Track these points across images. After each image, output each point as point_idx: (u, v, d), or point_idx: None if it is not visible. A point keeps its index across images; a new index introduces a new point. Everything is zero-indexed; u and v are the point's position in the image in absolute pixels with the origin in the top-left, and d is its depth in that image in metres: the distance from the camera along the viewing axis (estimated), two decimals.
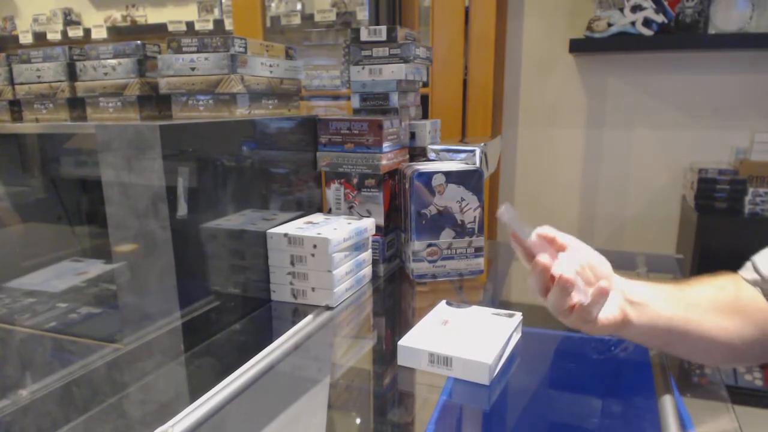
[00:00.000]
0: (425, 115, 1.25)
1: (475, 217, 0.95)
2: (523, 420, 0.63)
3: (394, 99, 1.06)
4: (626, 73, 2.02)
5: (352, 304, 0.89)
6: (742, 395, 1.72)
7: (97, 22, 3.20)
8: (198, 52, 0.85)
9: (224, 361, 0.72)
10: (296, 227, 0.88)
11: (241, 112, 0.87)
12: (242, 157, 0.83)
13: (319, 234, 0.83)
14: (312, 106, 2.38)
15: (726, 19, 1.82)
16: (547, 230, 0.58)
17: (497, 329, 0.72)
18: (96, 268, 0.97)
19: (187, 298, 0.72)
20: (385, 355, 0.77)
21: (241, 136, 0.83)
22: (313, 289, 0.85)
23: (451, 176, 0.93)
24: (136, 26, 3.17)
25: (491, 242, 1.84)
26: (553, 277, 0.56)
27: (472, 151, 1.03)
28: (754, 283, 0.65)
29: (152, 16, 3.18)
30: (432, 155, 1.07)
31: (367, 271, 0.96)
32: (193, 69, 0.85)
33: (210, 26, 2.88)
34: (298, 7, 2.59)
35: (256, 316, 0.85)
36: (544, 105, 2.16)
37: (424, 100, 1.32)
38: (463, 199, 0.93)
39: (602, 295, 0.56)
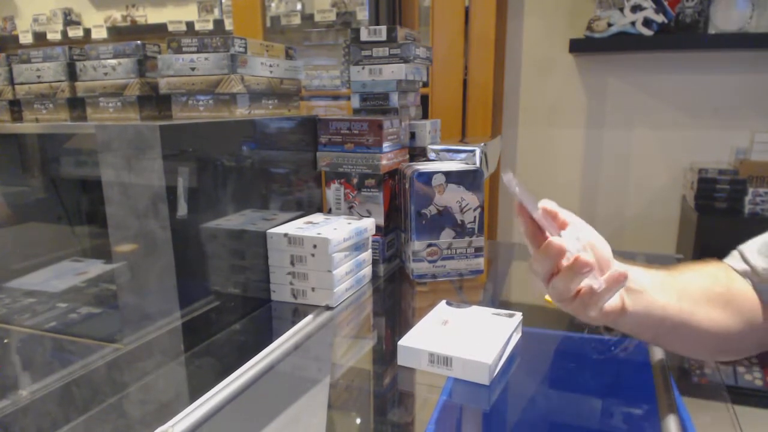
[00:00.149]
0: (425, 115, 1.25)
1: (475, 217, 0.95)
2: (523, 420, 0.63)
3: (394, 99, 1.06)
4: (626, 73, 2.03)
5: (352, 304, 0.89)
6: (742, 395, 1.72)
7: (97, 22, 3.20)
8: (198, 52, 0.85)
9: (224, 361, 0.72)
10: (296, 227, 0.88)
11: (241, 112, 0.87)
12: (242, 157, 0.83)
13: (319, 234, 0.83)
14: (312, 106, 2.38)
15: (726, 19, 1.82)
16: (550, 204, 0.54)
17: (497, 329, 0.72)
18: (96, 268, 0.97)
19: (187, 298, 0.72)
20: (385, 355, 0.77)
21: (241, 136, 0.83)
22: (313, 289, 0.85)
23: (451, 176, 0.93)
24: (136, 26, 3.17)
25: (491, 242, 1.84)
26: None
27: (472, 151, 1.03)
28: (744, 274, 0.63)
29: (152, 16, 3.18)
30: (432, 155, 1.07)
31: (367, 271, 0.96)
32: (193, 69, 0.85)
33: (210, 26, 2.88)
34: (298, 7, 2.59)
35: (256, 316, 0.85)
36: (544, 105, 2.16)
37: (424, 100, 1.32)
38: (463, 199, 0.93)
39: (617, 282, 0.51)
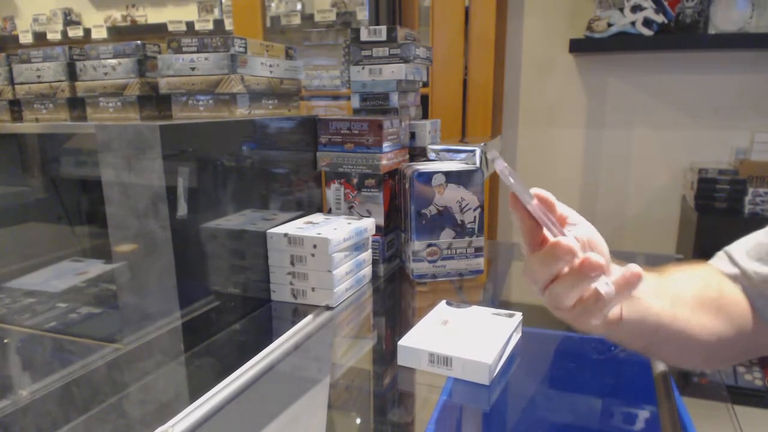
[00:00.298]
0: (425, 115, 1.25)
1: (475, 217, 0.95)
2: (523, 420, 0.63)
3: (394, 99, 1.06)
4: (626, 73, 2.03)
5: (352, 304, 0.89)
6: (742, 395, 1.72)
7: (97, 22, 3.20)
8: (198, 52, 0.85)
9: (224, 361, 0.72)
10: (296, 227, 0.88)
11: (241, 112, 0.87)
12: (242, 157, 0.83)
13: (319, 234, 0.83)
14: (312, 106, 2.38)
15: (726, 19, 1.82)
16: (546, 194, 0.46)
17: (497, 329, 0.72)
18: (96, 268, 0.97)
19: (187, 298, 0.72)
20: (385, 355, 0.77)
21: (241, 136, 0.83)
22: (313, 289, 0.85)
23: (451, 176, 0.93)
24: (136, 26, 3.17)
25: (491, 242, 1.84)
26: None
27: (472, 151, 1.03)
28: (734, 278, 0.60)
29: (152, 16, 3.19)
30: (432, 155, 1.07)
31: (367, 271, 0.96)
32: (193, 69, 0.85)
33: (210, 26, 2.88)
34: (298, 7, 2.59)
35: (256, 316, 0.85)
36: (544, 105, 2.16)
37: (424, 100, 1.32)
38: (463, 199, 0.93)
39: (630, 285, 0.44)
